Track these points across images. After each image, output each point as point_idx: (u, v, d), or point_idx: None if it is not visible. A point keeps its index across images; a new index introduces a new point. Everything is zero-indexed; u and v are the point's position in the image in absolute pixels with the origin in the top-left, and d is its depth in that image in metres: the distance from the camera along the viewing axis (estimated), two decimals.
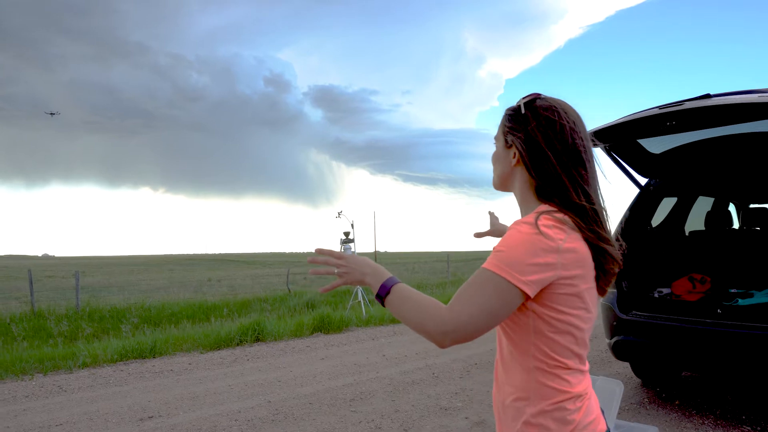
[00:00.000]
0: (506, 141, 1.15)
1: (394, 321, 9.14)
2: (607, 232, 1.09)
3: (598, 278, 1.08)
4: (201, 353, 6.76)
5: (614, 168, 4.43)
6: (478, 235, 1.72)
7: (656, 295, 4.49)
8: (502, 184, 1.21)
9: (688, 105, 3.32)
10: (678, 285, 4.50)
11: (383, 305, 1.08)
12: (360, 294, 10.80)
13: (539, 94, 1.14)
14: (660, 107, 3.57)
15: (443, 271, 24.80)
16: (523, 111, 1.12)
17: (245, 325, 7.74)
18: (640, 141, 4.22)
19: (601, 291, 1.11)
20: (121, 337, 8.34)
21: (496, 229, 1.72)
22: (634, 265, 4.42)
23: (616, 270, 1.10)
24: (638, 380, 4.90)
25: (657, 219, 4.86)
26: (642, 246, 4.60)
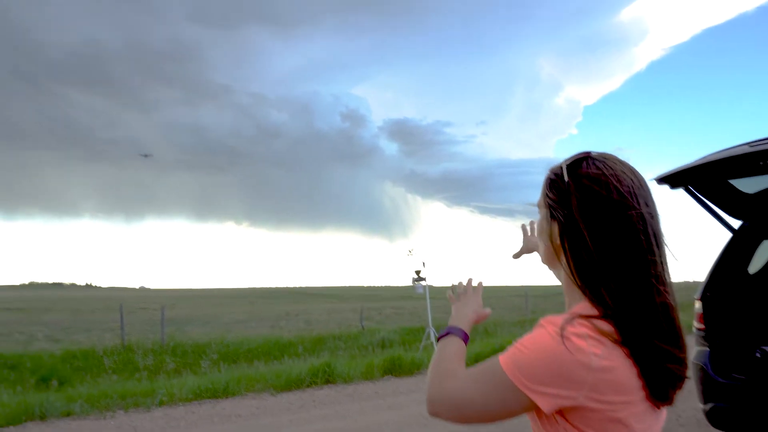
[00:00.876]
0: (549, 213, 0.93)
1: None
2: (672, 342, 0.84)
3: (653, 396, 0.83)
4: (271, 395, 6.81)
5: (701, 210, 4.02)
6: (516, 255, 1.45)
7: (758, 354, 3.97)
8: (548, 261, 1.01)
9: None
10: None
11: None
12: (432, 334, 10.55)
13: (589, 154, 0.90)
14: (750, 144, 3.22)
15: (521, 307, 23.79)
16: (566, 178, 0.89)
17: (316, 366, 7.74)
18: (731, 181, 3.82)
19: (660, 406, 0.86)
20: (199, 374, 8.66)
21: (534, 246, 1.40)
22: (729, 318, 3.95)
23: (677, 392, 0.86)
24: None
25: (756, 265, 4.34)
26: (739, 296, 4.11)
